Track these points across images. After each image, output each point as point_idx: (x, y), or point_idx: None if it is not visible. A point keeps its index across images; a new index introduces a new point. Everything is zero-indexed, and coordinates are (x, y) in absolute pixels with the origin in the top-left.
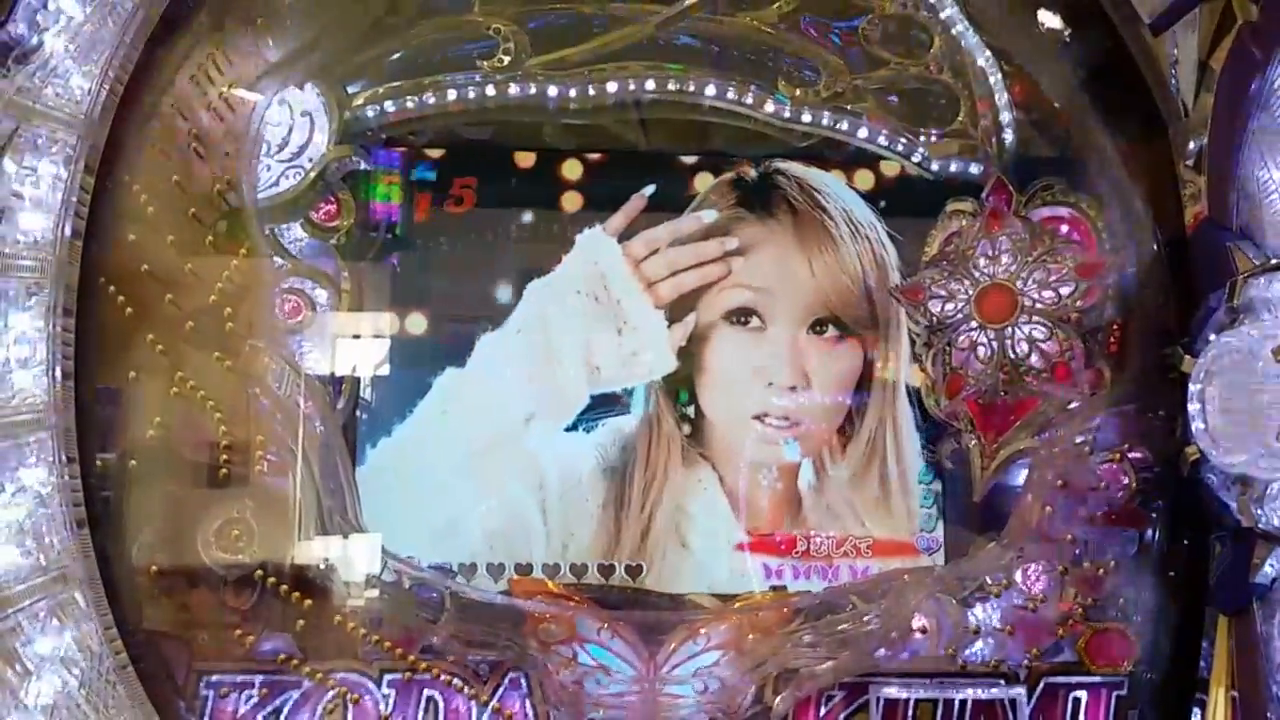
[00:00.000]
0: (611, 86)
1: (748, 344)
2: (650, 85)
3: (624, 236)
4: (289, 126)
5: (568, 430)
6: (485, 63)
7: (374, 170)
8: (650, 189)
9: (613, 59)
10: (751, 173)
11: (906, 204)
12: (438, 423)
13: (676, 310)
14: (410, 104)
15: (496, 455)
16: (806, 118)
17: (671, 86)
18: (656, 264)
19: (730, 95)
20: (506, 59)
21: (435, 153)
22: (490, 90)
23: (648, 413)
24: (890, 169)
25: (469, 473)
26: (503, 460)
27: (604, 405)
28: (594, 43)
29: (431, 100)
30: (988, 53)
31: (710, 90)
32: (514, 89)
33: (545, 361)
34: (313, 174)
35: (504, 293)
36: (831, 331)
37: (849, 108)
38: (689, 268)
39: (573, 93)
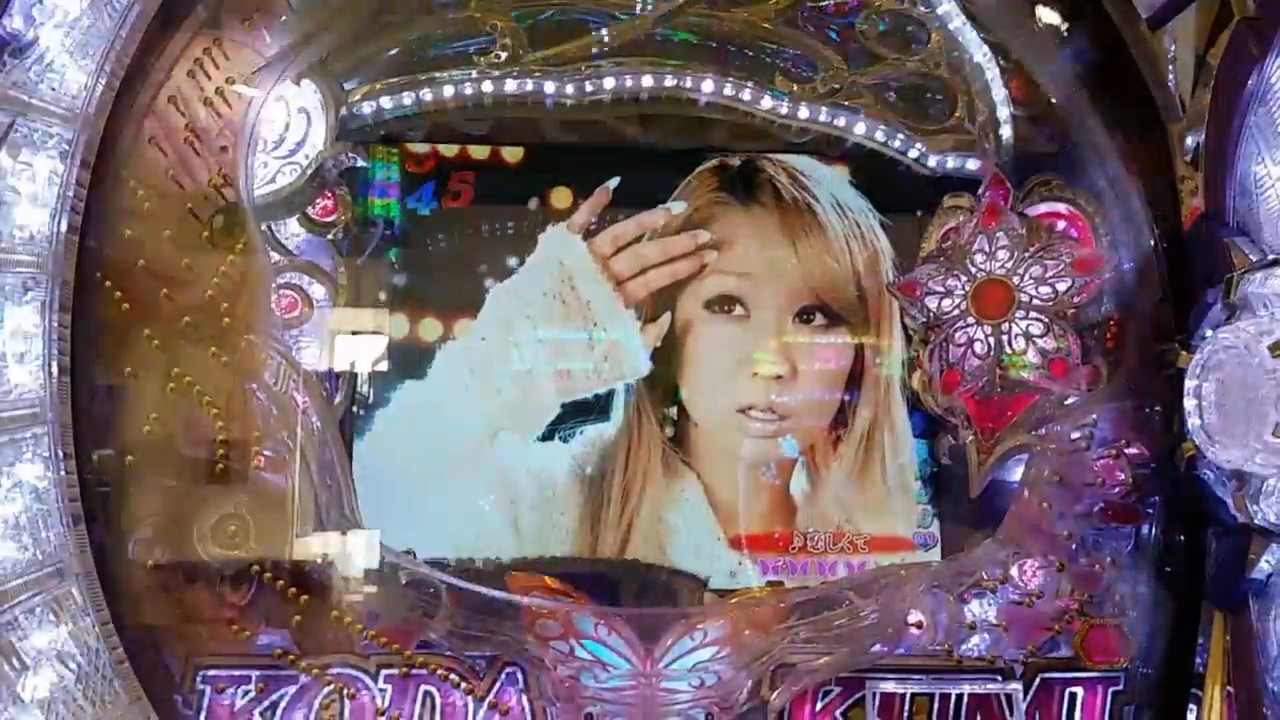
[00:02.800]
0: (609, 82)
1: (730, 333)
2: (648, 81)
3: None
4: (285, 123)
5: (542, 440)
6: (482, 59)
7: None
8: (615, 181)
9: (610, 55)
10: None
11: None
12: (397, 438)
13: (655, 307)
14: (407, 100)
15: (464, 471)
16: (804, 113)
17: (669, 82)
18: (625, 261)
19: (728, 91)
20: (504, 55)
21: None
22: (487, 86)
23: (627, 418)
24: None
25: (434, 490)
26: (471, 476)
27: (579, 412)
28: (591, 39)
29: (429, 97)
30: (985, 48)
31: (708, 86)
32: (511, 85)
33: (511, 370)
34: (309, 170)
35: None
36: (819, 320)
37: (846, 103)
38: (660, 263)
39: (570, 89)
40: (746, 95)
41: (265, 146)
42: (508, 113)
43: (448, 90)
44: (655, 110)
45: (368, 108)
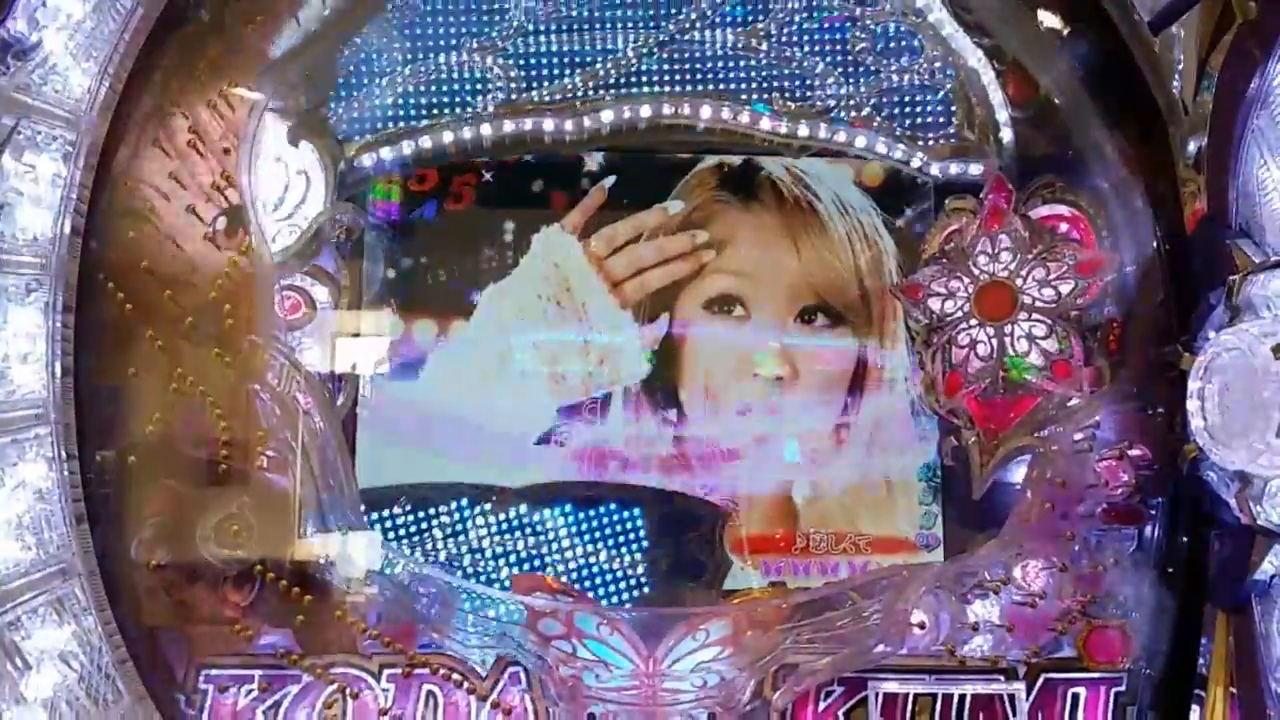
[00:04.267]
0: (607, 116)
1: (730, 334)
2: (646, 111)
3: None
4: (285, 184)
5: (537, 444)
6: (480, 100)
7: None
8: (610, 180)
9: (608, 88)
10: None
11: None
12: (391, 441)
13: (653, 308)
14: (406, 150)
15: (458, 476)
16: (803, 131)
17: (667, 110)
18: (621, 262)
19: (725, 115)
20: (500, 97)
21: None
22: (486, 129)
23: (625, 421)
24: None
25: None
26: (465, 481)
27: (574, 417)
28: (587, 74)
29: (428, 144)
30: (979, 53)
31: (706, 111)
32: (509, 126)
33: (505, 375)
34: (310, 232)
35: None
36: (821, 320)
37: (844, 118)
38: (657, 264)
39: (569, 125)
40: (745, 118)
41: (265, 209)
42: (507, 154)
43: (447, 136)
44: (655, 139)
45: (367, 160)
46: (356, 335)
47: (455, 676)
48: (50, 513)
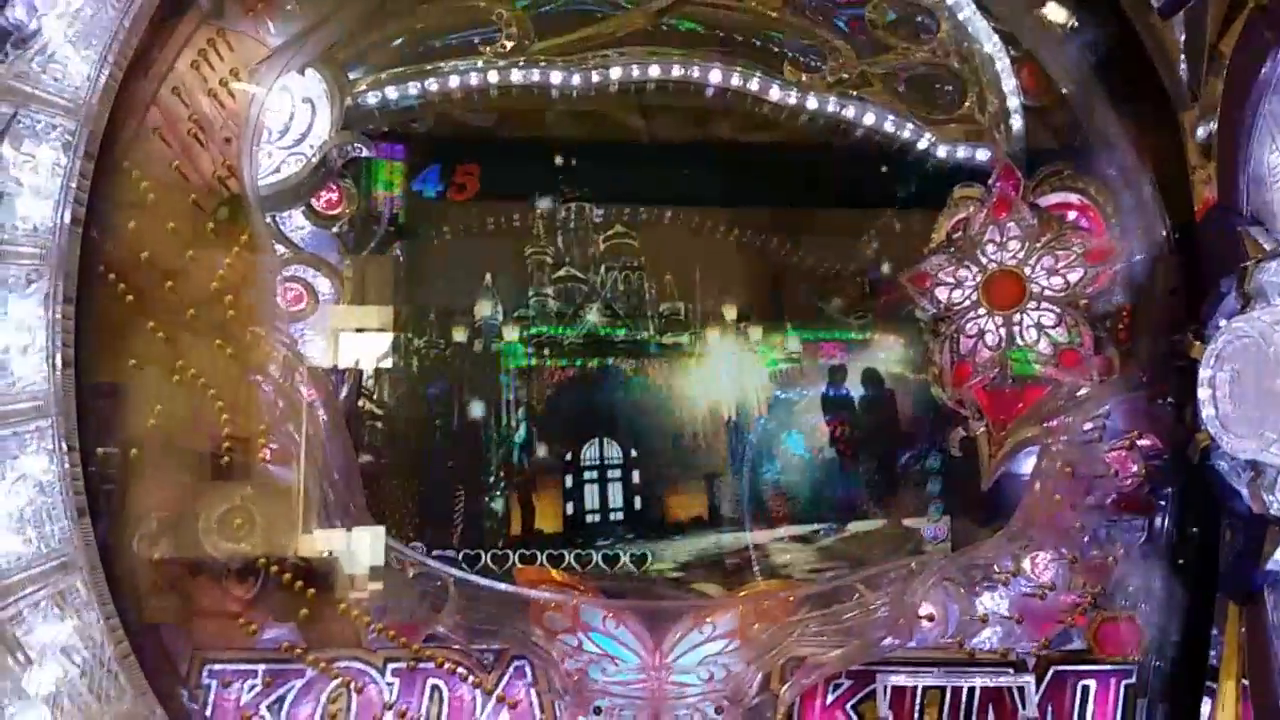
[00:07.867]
0: (615, 72)
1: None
2: (654, 71)
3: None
4: (290, 113)
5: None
6: (488, 48)
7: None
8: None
9: (617, 44)
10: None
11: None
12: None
13: None
14: (413, 89)
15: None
16: (812, 103)
17: (676, 72)
18: None
19: (735, 80)
20: (509, 44)
21: None
22: (493, 76)
23: None
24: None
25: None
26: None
27: None
28: (598, 28)
29: (434, 87)
30: (995, 38)
31: (715, 76)
32: (517, 75)
33: None
34: (314, 160)
35: None
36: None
37: (855, 93)
38: None
39: (575, 79)
40: (754, 85)
41: (270, 136)
42: (513, 103)
43: (453, 80)
44: (662, 101)
45: (373, 98)
46: (360, 329)
47: (460, 670)
48: (51, 506)
